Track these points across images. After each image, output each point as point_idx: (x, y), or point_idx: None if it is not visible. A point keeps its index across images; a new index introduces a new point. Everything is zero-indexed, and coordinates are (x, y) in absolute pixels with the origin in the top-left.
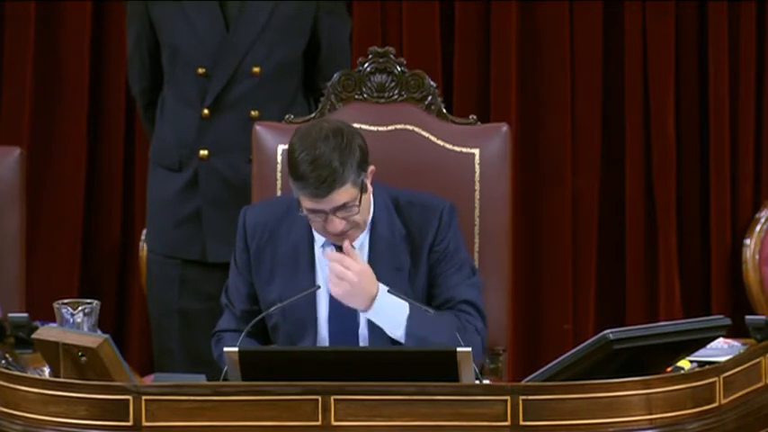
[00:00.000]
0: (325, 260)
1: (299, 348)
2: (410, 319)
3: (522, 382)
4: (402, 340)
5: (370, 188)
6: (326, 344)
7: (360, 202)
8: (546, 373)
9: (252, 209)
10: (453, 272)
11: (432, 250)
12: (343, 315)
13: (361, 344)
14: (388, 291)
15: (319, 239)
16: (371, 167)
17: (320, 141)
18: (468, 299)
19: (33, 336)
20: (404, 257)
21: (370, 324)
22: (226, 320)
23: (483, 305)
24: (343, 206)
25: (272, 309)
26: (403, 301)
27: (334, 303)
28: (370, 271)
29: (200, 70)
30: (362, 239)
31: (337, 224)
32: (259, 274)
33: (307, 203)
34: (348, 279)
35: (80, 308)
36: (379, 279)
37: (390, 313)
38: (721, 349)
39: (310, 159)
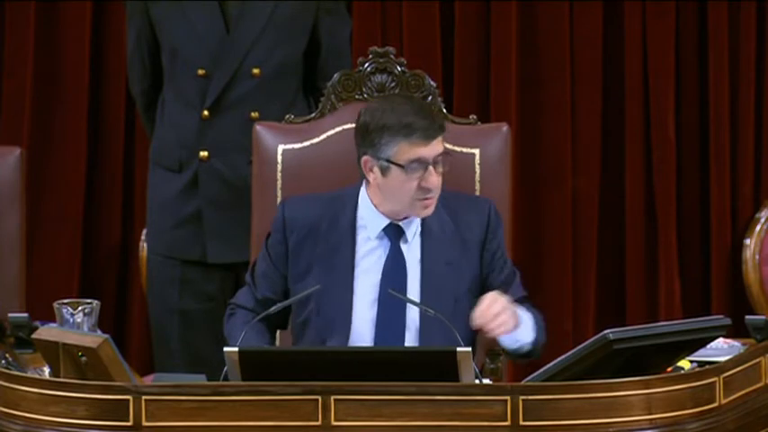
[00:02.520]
0: (368, 254)
1: (299, 348)
2: (535, 323)
3: (522, 382)
4: (528, 347)
5: None
6: (360, 342)
7: None
8: (546, 373)
9: (291, 202)
10: (506, 275)
11: (484, 248)
12: (391, 318)
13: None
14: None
15: (362, 233)
16: None
17: (408, 98)
18: (525, 295)
19: (33, 336)
20: (455, 252)
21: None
22: (244, 296)
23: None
24: (443, 154)
25: (278, 306)
26: (523, 309)
27: (382, 306)
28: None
29: (200, 71)
30: (416, 231)
31: (435, 178)
32: (296, 269)
33: (413, 153)
34: (503, 307)
35: (80, 308)
36: (433, 273)
37: (526, 323)
38: (721, 349)
39: (415, 109)
